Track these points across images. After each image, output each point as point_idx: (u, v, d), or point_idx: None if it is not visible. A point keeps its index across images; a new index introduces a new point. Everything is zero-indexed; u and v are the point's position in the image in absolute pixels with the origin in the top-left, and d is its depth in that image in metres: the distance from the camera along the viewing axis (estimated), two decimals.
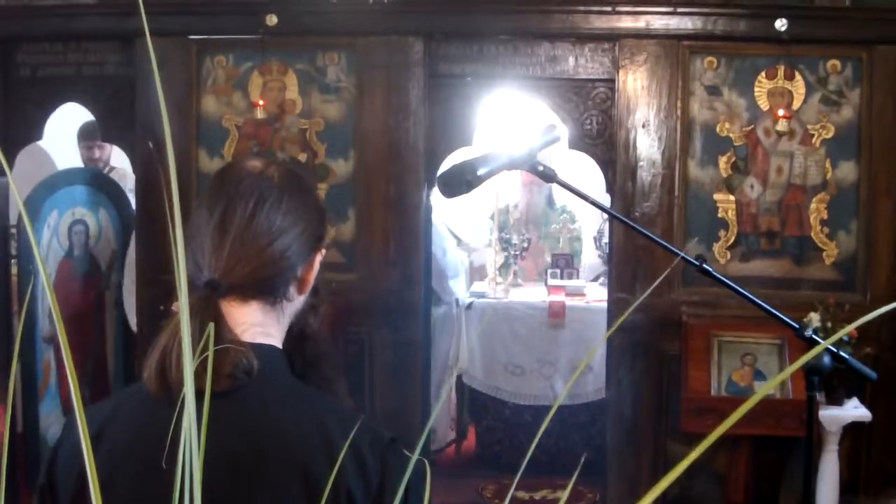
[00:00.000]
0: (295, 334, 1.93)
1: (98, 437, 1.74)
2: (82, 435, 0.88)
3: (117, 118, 5.98)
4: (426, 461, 1.12)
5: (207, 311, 1.71)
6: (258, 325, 1.81)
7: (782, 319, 2.44)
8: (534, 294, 8.03)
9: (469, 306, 7.75)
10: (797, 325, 2.46)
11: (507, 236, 8.41)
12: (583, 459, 7.04)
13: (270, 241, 1.80)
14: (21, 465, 6.19)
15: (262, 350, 1.77)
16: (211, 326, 1.19)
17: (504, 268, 8.39)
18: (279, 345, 1.85)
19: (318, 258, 1.92)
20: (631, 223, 2.38)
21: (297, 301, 1.90)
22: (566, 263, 8.20)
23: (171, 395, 1.66)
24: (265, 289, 1.82)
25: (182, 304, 0.86)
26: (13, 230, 6.43)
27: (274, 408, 1.74)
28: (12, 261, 6.41)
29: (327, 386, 1.96)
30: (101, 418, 1.78)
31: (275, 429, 1.72)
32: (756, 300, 2.42)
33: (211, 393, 1.64)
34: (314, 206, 1.93)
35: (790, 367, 0.73)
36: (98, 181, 6.75)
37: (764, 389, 0.72)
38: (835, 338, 0.81)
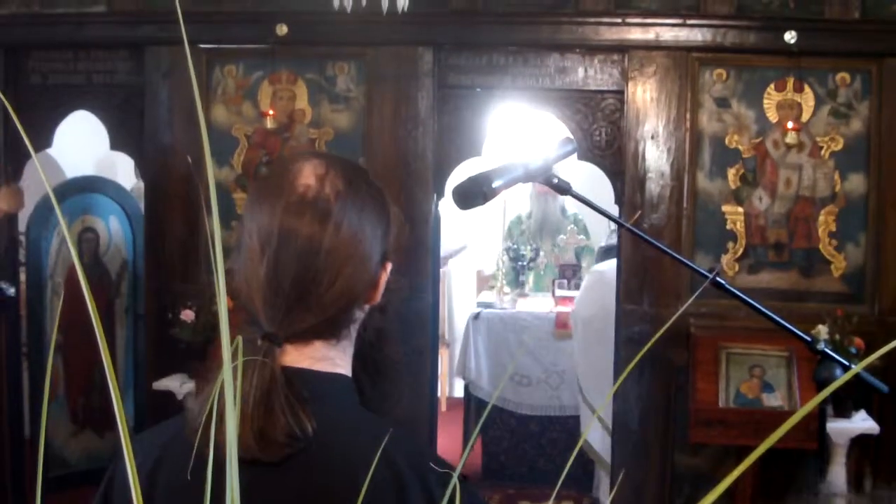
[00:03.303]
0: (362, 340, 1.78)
1: (157, 467, 1.64)
2: (128, 465, 0.86)
3: (126, 126, 5.99)
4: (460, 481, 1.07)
5: (265, 367, 1.57)
6: (321, 358, 1.68)
7: (794, 332, 2.43)
8: (541, 304, 8.03)
9: (476, 316, 7.75)
10: (809, 339, 2.45)
11: (515, 247, 8.42)
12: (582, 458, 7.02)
13: (332, 281, 1.63)
14: (28, 472, 6.20)
15: (326, 379, 1.66)
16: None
17: (512, 279, 8.40)
18: (346, 371, 1.72)
19: (388, 269, 1.75)
20: (648, 237, 2.39)
21: (362, 316, 1.75)
22: (573, 274, 8.20)
23: (217, 457, 1.57)
24: (329, 330, 1.67)
25: (225, 365, 0.83)
26: (21, 238, 6.44)
27: (339, 446, 1.61)
28: (21, 268, 6.42)
29: (388, 368, 1.83)
30: (160, 444, 1.67)
31: (341, 470, 1.60)
32: (769, 313, 2.42)
33: (264, 462, 1.53)
34: (378, 214, 1.72)
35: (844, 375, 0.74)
36: (108, 189, 6.77)
37: (825, 394, 0.72)
38: (866, 362, 0.81)
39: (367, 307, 1.73)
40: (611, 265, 6.29)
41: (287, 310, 1.62)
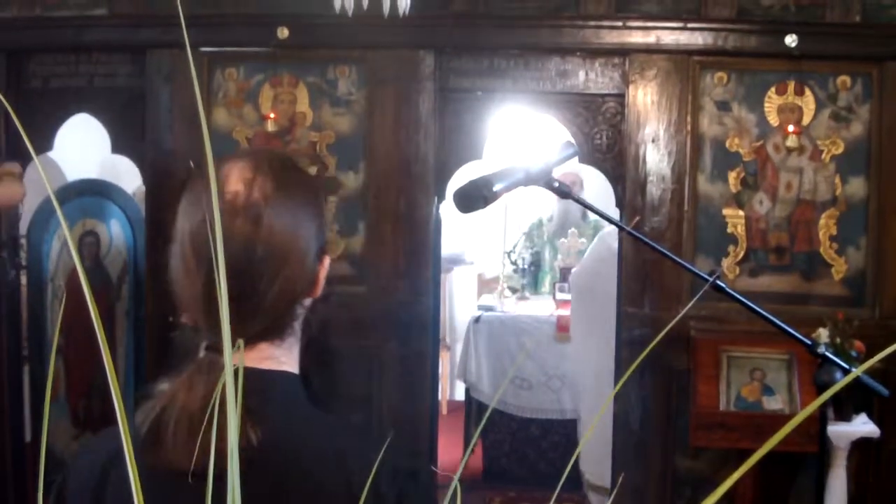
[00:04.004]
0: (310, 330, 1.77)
1: (105, 472, 1.64)
2: (130, 465, 0.86)
3: (128, 129, 5.99)
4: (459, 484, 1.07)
5: (210, 378, 1.56)
6: (267, 357, 1.67)
7: (794, 336, 2.44)
8: (542, 308, 8.03)
9: (477, 319, 7.75)
10: (809, 342, 2.46)
11: (521, 249, 8.42)
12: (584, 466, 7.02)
13: (270, 286, 1.63)
14: (30, 474, 6.20)
15: (271, 377, 1.65)
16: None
17: (517, 283, 8.41)
18: (292, 368, 1.71)
19: (326, 264, 1.75)
20: (648, 241, 2.39)
21: (305, 311, 1.74)
22: None
23: (162, 468, 1.53)
24: (273, 332, 1.67)
25: (227, 366, 0.83)
26: (23, 241, 6.44)
27: (288, 450, 1.60)
28: (22, 271, 6.42)
29: (333, 357, 1.83)
30: (108, 450, 1.66)
31: (292, 473, 1.60)
32: (770, 316, 2.42)
33: (217, 472, 1.59)
34: (311, 210, 1.72)
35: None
36: (109, 192, 6.76)
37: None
38: (866, 366, 0.81)
39: (308, 300, 1.73)
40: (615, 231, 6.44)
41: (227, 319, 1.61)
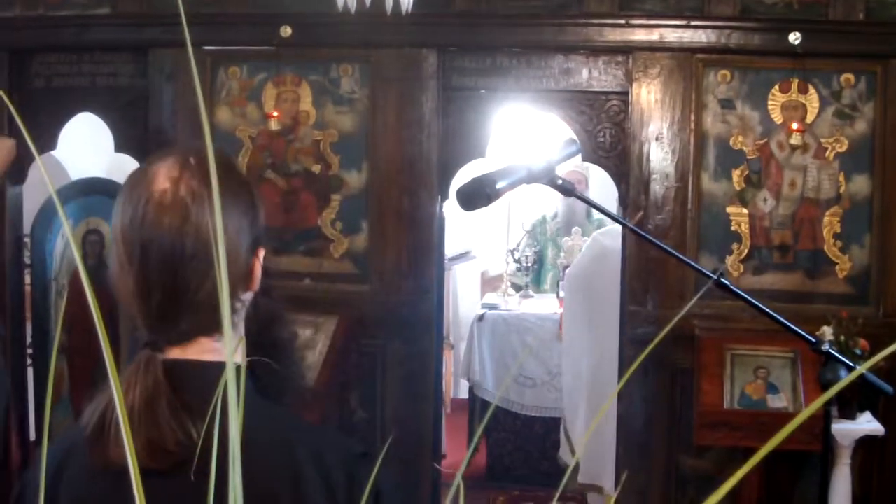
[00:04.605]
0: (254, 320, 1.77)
1: (58, 473, 1.64)
2: (131, 466, 0.86)
3: (131, 128, 6.00)
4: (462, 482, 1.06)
5: (147, 376, 1.57)
6: (208, 350, 1.67)
7: (799, 334, 2.44)
8: (545, 306, 8.03)
9: (481, 318, 7.75)
10: (813, 340, 2.46)
11: (524, 247, 8.42)
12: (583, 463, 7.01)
13: (201, 283, 1.62)
14: None
15: (213, 368, 1.63)
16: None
17: (521, 281, 8.40)
18: (238, 359, 1.64)
19: (261, 257, 1.74)
20: (651, 238, 2.39)
21: (245, 302, 1.74)
22: None
23: (108, 468, 1.54)
24: (210, 326, 1.66)
25: (228, 364, 0.83)
26: (26, 239, 6.45)
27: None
28: (26, 270, 6.42)
29: (282, 350, 1.81)
30: (64, 450, 1.67)
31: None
32: (774, 315, 2.42)
33: (157, 472, 1.51)
34: (241, 205, 1.71)
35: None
36: (113, 191, 6.76)
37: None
38: (870, 363, 0.81)
39: (247, 295, 1.72)
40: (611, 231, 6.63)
41: (161, 317, 1.62)
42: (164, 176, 1.67)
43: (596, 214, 8.60)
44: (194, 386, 1.60)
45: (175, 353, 1.63)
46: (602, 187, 6.90)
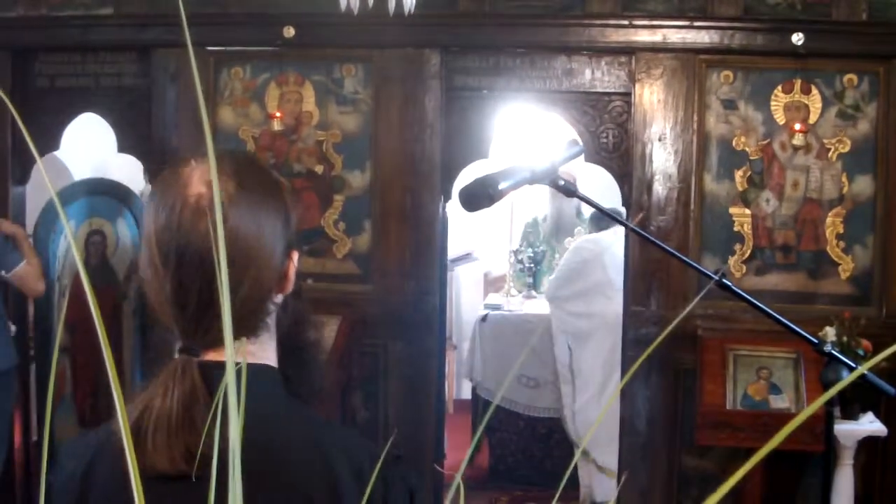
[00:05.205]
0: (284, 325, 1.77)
1: (89, 471, 1.64)
2: (132, 467, 0.85)
3: (134, 128, 6.00)
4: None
5: (184, 381, 1.56)
6: (245, 353, 1.66)
7: (801, 334, 2.43)
8: (548, 306, 8.02)
9: (484, 318, 7.75)
10: (816, 341, 2.45)
11: (524, 248, 8.41)
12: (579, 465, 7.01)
13: (237, 287, 1.60)
14: (36, 473, 6.20)
15: (250, 371, 1.64)
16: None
17: (521, 281, 8.39)
18: (272, 361, 1.71)
19: (295, 259, 1.72)
20: (653, 238, 2.39)
21: (276, 307, 1.73)
22: None
23: (142, 472, 1.54)
24: (245, 329, 1.65)
25: (229, 367, 0.83)
26: (30, 239, 6.45)
27: (267, 443, 1.58)
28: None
29: (309, 351, 1.81)
30: (93, 446, 1.66)
31: (272, 460, 1.60)
32: (777, 316, 2.42)
33: (195, 477, 1.49)
34: (275, 208, 1.70)
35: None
36: (116, 192, 6.77)
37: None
38: (872, 363, 0.81)
39: (280, 297, 1.71)
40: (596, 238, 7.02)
41: (197, 322, 1.61)
42: (199, 179, 1.64)
43: (587, 214, 8.61)
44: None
45: (210, 357, 1.62)
46: (595, 188, 6.89)
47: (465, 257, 9.31)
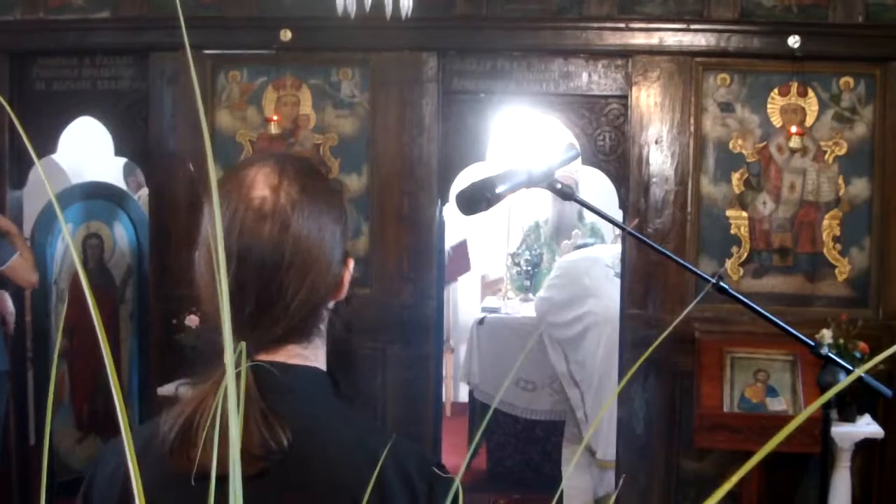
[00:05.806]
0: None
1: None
2: (132, 467, 0.86)
3: (131, 132, 6.00)
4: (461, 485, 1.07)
5: (238, 379, 1.58)
6: (294, 356, 1.68)
7: (797, 337, 2.44)
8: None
9: (481, 321, 7.74)
10: (813, 343, 2.46)
11: (522, 251, 8.41)
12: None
13: (296, 291, 1.62)
14: (34, 478, 6.20)
15: (299, 372, 1.66)
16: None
17: (518, 284, 8.40)
18: (321, 365, 1.73)
19: (350, 267, 1.74)
20: (650, 242, 2.39)
21: (329, 313, 1.76)
22: None
23: (190, 472, 1.53)
24: (299, 334, 1.67)
25: (228, 370, 0.83)
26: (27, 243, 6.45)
27: (317, 445, 1.61)
28: None
29: (352, 355, 1.85)
30: (136, 449, 1.67)
31: (321, 460, 1.60)
32: (774, 318, 2.42)
33: (247, 477, 1.57)
34: (335, 215, 1.71)
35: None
36: (114, 196, 6.78)
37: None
38: (869, 365, 0.81)
39: (333, 303, 1.73)
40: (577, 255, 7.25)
41: (253, 324, 1.62)
42: (262, 183, 1.64)
43: (588, 218, 8.61)
44: (282, 391, 1.60)
45: (263, 358, 1.63)
46: (595, 191, 6.91)
47: (460, 246, 9.29)
